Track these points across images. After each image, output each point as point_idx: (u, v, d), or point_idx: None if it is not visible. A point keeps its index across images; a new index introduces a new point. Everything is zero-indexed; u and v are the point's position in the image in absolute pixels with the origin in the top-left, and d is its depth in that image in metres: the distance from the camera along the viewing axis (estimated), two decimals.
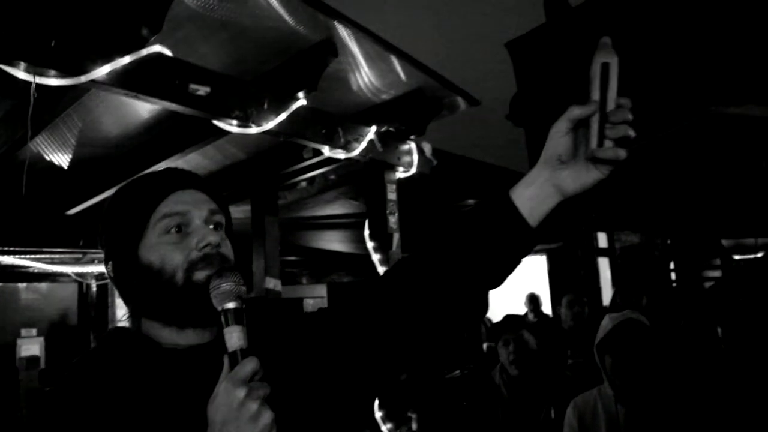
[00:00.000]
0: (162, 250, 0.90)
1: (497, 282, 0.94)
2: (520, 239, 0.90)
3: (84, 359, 0.93)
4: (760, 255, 6.20)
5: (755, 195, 5.28)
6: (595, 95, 0.82)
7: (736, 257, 6.58)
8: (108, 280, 5.96)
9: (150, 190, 0.95)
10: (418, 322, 0.94)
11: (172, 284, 0.89)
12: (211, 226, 0.95)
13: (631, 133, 0.81)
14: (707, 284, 7.67)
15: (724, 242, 6.67)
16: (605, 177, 0.86)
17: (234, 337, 0.81)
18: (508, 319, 3.54)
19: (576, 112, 0.83)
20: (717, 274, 8.04)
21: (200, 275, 0.89)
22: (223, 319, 0.82)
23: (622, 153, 0.81)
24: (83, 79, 1.83)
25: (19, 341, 5.56)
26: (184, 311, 0.90)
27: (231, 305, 0.83)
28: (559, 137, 0.86)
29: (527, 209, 0.89)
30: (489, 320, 6.84)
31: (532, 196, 0.89)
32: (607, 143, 0.81)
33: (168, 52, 2.08)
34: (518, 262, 0.93)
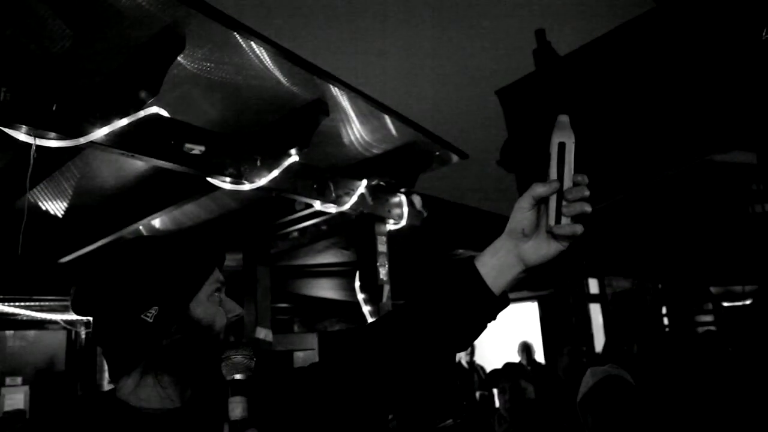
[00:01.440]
0: (212, 310, 1.00)
1: (464, 345, 0.99)
2: (484, 306, 0.94)
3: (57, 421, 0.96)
4: (747, 302, 6.23)
5: (742, 242, 5.35)
6: (553, 174, 0.86)
7: (725, 304, 6.60)
8: None
9: (211, 255, 1.06)
10: (392, 377, 0.98)
11: (218, 340, 0.99)
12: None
13: (587, 209, 0.85)
14: (700, 329, 7.66)
15: (713, 289, 6.70)
16: (565, 249, 0.90)
17: (238, 408, 0.87)
18: (507, 367, 3.53)
19: (538, 190, 0.87)
20: (709, 318, 8.05)
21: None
22: (230, 389, 0.89)
23: (578, 229, 0.86)
24: (82, 140, 1.90)
25: (3, 390, 5.46)
26: (208, 365, 0.96)
27: (239, 377, 0.90)
28: (523, 212, 0.90)
29: (491, 278, 0.93)
30: (482, 368, 6.79)
31: (496, 266, 0.94)
32: (564, 220, 0.85)
33: (165, 113, 2.15)
34: (484, 326, 0.98)
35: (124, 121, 2.00)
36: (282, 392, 1.00)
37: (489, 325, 0.98)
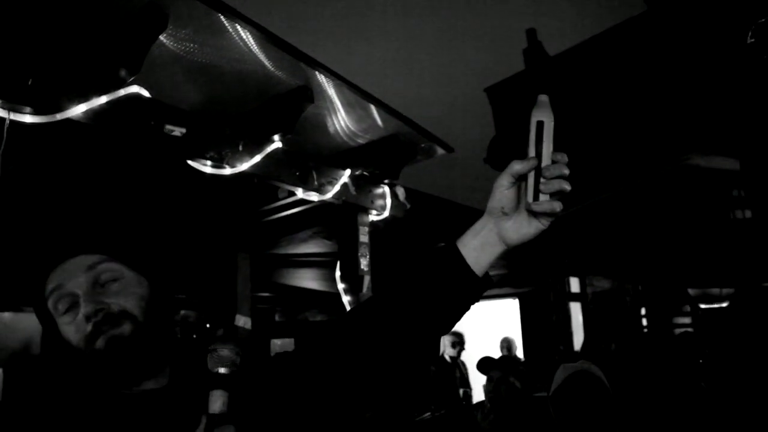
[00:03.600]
0: (64, 330, 0.94)
1: (446, 328, 0.98)
2: (466, 286, 0.94)
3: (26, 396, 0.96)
4: (724, 305, 6.33)
5: (722, 246, 5.42)
6: (531, 152, 0.86)
7: (703, 306, 6.70)
8: None
9: (31, 276, 0.99)
10: (375, 362, 0.97)
11: (82, 355, 0.93)
12: (104, 284, 0.96)
13: (566, 187, 0.85)
14: (677, 330, 7.77)
15: (691, 291, 6.79)
16: (546, 228, 0.90)
17: (218, 402, 0.87)
18: (502, 359, 3.56)
19: (516, 167, 0.87)
20: (687, 320, 8.16)
21: (100, 343, 0.91)
22: (212, 381, 0.89)
23: (556, 206, 0.85)
24: (58, 117, 1.86)
25: None
26: (108, 377, 0.93)
27: (223, 370, 0.90)
28: (502, 190, 0.90)
29: (473, 258, 0.93)
30: (463, 364, 6.82)
31: (477, 246, 0.93)
32: (543, 197, 0.86)
33: (145, 93, 2.12)
34: (466, 308, 0.97)
35: (102, 99, 1.96)
36: (263, 385, 0.98)
37: (471, 308, 0.97)
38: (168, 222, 3.45)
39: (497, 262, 0.95)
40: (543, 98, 0.88)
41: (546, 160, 0.86)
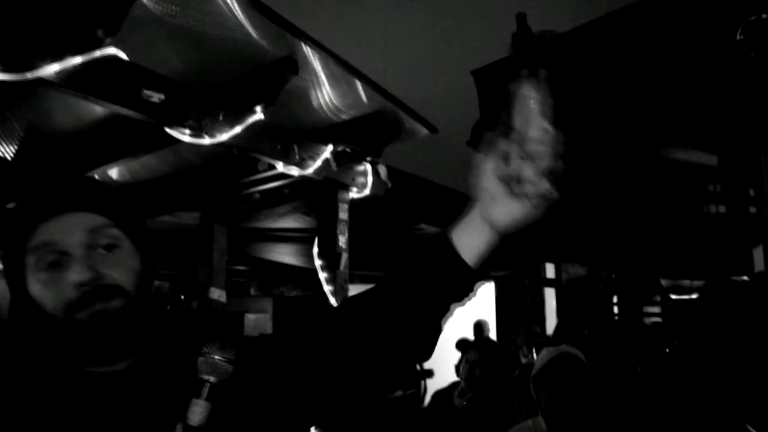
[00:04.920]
0: (37, 290, 0.84)
1: (436, 322, 0.93)
2: (460, 280, 0.89)
3: None
4: (694, 296, 6.47)
5: (694, 239, 5.52)
6: (514, 126, 0.80)
7: (673, 296, 6.84)
8: None
9: (18, 222, 0.88)
10: (362, 360, 0.92)
11: (55, 323, 0.84)
12: (101, 249, 0.88)
13: (554, 164, 0.79)
14: (647, 320, 7.94)
15: (663, 282, 6.93)
16: (537, 210, 0.83)
17: (198, 413, 0.81)
18: (482, 341, 3.60)
19: (496, 144, 0.82)
20: (656, 310, 8.34)
21: (83, 315, 0.83)
22: (197, 388, 0.83)
23: (542, 186, 0.80)
24: (29, 76, 1.79)
25: None
26: (80, 353, 0.85)
27: (213, 379, 0.84)
28: (484, 171, 0.84)
29: (465, 248, 0.88)
30: None
31: (470, 236, 0.88)
32: (529, 176, 0.80)
33: (123, 56, 2.05)
34: (461, 303, 0.92)
35: (77, 59, 1.89)
36: (248, 393, 0.91)
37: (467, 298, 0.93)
38: (148, 190, 3.39)
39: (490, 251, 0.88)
40: (525, 72, 0.81)
41: (532, 134, 0.79)
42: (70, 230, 0.85)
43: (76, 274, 0.83)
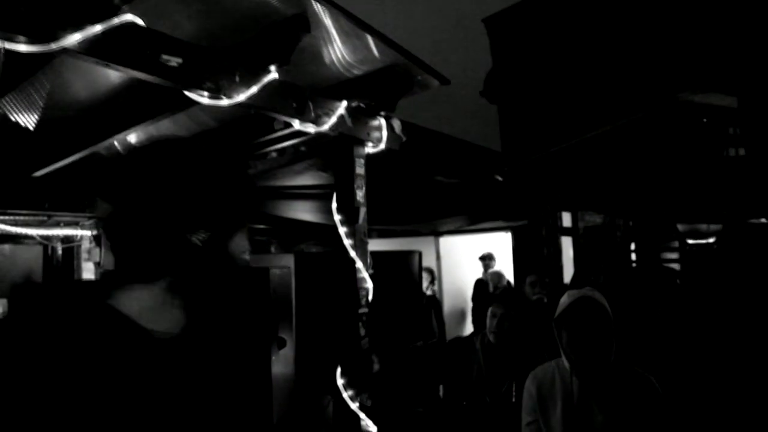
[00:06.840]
0: None
1: None
2: None
3: None
4: (711, 240, 6.48)
5: (711, 182, 5.50)
6: None
7: (690, 241, 6.85)
8: (74, 244, 5.90)
9: None
10: None
11: None
12: None
13: None
14: (665, 265, 7.97)
15: (680, 227, 6.92)
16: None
17: None
18: (494, 295, 3.67)
19: None
20: (675, 256, 8.36)
21: None
22: None
23: None
24: (53, 46, 1.84)
25: None
26: None
27: None
28: None
29: None
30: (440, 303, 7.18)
31: None
32: None
33: (140, 22, 2.09)
34: None
35: (98, 28, 1.93)
36: None
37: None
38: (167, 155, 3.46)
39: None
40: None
41: None
42: None
43: None
